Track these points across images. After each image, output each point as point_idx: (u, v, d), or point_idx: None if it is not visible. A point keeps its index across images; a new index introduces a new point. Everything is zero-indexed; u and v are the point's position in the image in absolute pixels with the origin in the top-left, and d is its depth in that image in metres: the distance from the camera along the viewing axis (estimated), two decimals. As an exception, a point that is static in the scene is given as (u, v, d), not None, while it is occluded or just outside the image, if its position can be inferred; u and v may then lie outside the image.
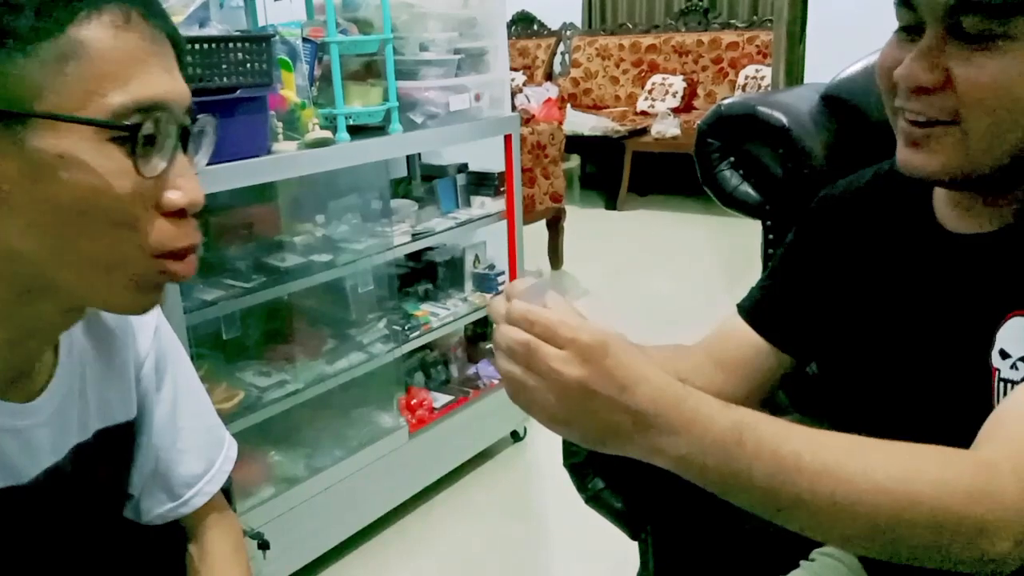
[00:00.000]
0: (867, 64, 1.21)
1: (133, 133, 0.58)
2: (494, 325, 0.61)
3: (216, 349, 1.81)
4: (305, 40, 1.76)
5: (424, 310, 2.26)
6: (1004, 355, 0.69)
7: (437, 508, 2.21)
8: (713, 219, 4.82)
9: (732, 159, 1.30)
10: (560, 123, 4.24)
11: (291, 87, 1.72)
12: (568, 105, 5.73)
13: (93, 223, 0.58)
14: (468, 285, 2.41)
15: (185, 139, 0.63)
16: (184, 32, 1.47)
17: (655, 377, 0.57)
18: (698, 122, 1.34)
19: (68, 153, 0.56)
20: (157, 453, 0.84)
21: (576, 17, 6.56)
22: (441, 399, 2.24)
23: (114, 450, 0.79)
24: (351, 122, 1.82)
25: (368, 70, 1.95)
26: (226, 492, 1.05)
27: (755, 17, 5.73)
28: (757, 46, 5.50)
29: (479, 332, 2.53)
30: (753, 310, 0.93)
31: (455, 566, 2.01)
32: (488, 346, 2.48)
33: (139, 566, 0.86)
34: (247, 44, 1.51)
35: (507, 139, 2.21)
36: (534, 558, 2.08)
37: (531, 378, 0.57)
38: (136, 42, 0.58)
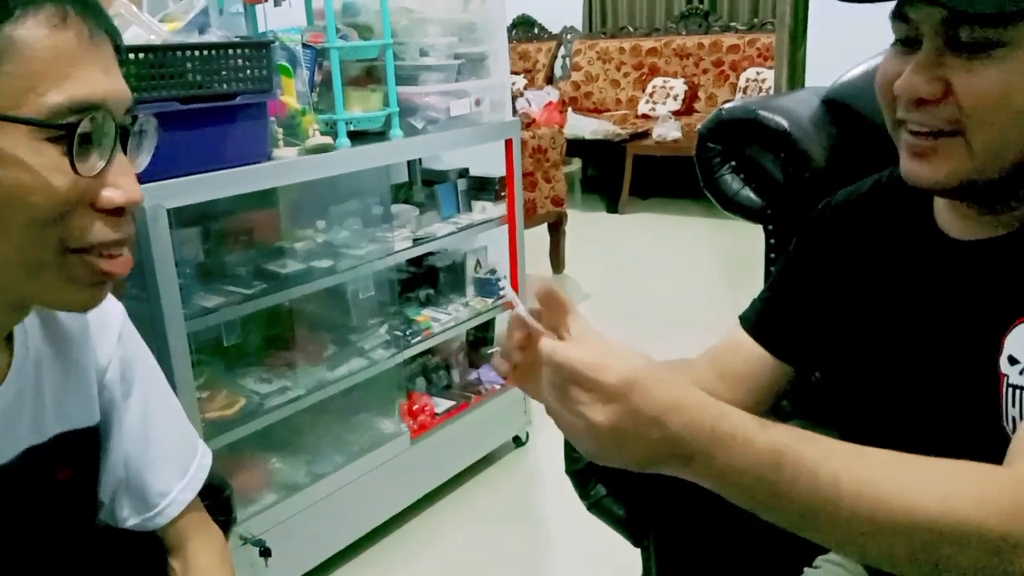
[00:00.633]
0: (868, 68, 1.21)
1: (70, 132, 0.58)
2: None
3: (217, 356, 1.80)
4: (305, 46, 1.76)
5: (425, 315, 2.25)
6: (1013, 361, 0.69)
7: (439, 514, 2.20)
8: (714, 222, 4.82)
9: (733, 164, 1.30)
10: (561, 127, 4.25)
11: (291, 93, 1.72)
12: (569, 109, 5.73)
13: (12, 221, 0.58)
14: (469, 290, 2.41)
15: (125, 139, 0.64)
16: (184, 39, 1.48)
17: (689, 401, 0.57)
18: (699, 126, 1.33)
19: (4, 151, 0.56)
20: (128, 462, 0.84)
21: (577, 20, 6.56)
22: (443, 404, 2.24)
23: (75, 455, 0.79)
24: (351, 127, 1.82)
25: (368, 75, 1.95)
26: (227, 499, 1.05)
27: (755, 20, 5.73)
28: (758, 49, 5.51)
29: (480, 337, 2.52)
30: (756, 322, 0.93)
31: (457, 572, 2.01)
32: (489, 351, 2.47)
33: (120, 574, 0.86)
34: (247, 50, 1.51)
35: (508, 144, 2.20)
36: (536, 563, 2.08)
37: (567, 418, 0.58)
38: (73, 41, 0.58)
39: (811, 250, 0.90)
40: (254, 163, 1.58)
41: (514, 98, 4.39)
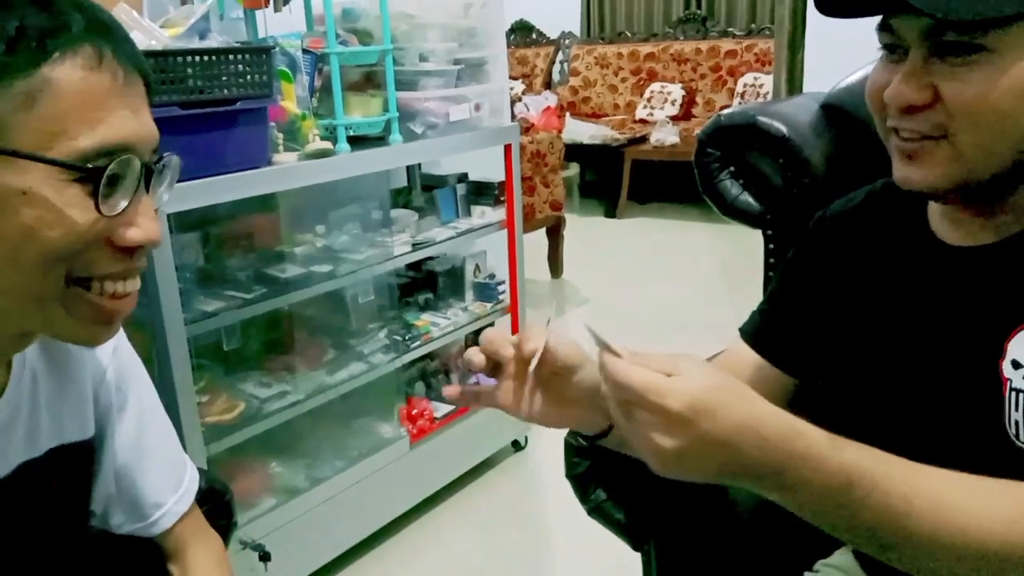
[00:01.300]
0: (866, 73, 1.20)
1: (97, 175, 0.58)
2: None
3: (217, 360, 1.80)
4: (305, 51, 1.77)
5: (425, 320, 2.25)
6: (1016, 365, 0.69)
7: (438, 518, 2.20)
8: (713, 226, 4.83)
9: (732, 169, 1.30)
10: (559, 132, 4.25)
11: (291, 98, 1.72)
12: (567, 114, 5.73)
13: (27, 255, 0.58)
14: (469, 295, 2.41)
15: (148, 177, 0.63)
16: (184, 44, 1.48)
17: (759, 420, 0.57)
18: (697, 131, 1.34)
19: (31, 190, 0.56)
20: (121, 472, 0.84)
21: (575, 26, 6.58)
22: (442, 409, 2.24)
23: (70, 468, 0.79)
24: (351, 133, 1.82)
25: (368, 81, 1.96)
26: (227, 503, 1.05)
27: (753, 25, 5.75)
28: (755, 54, 5.52)
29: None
30: (756, 333, 0.93)
31: (457, 576, 2.01)
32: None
33: None
34: (247, 56, 1.51)
35: (507, 149, 2.21)
36: (536, 568, 2.07)
37: (634, 436, 0.59)
38: (107, 83, 0.59)
39: (808, 261, 0.91)
40: (254, 168, 1.58)
41: (512, 103, 4.40)
